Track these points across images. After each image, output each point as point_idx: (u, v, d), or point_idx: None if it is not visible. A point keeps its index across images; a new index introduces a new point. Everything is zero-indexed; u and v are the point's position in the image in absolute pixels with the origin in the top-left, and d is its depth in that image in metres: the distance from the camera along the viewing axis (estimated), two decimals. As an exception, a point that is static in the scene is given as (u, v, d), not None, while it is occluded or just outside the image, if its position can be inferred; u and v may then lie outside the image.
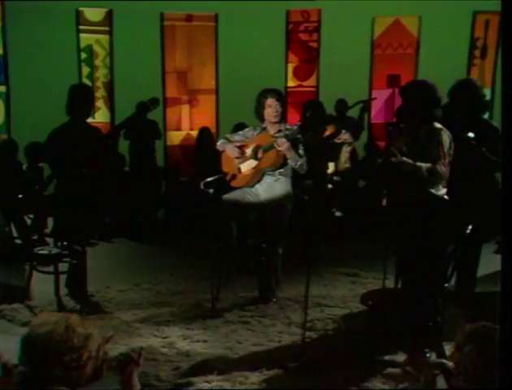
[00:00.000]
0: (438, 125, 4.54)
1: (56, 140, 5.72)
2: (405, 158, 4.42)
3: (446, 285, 4.69)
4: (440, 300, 4.23)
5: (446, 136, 4.50)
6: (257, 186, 5.57)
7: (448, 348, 3.66)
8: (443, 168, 4.45)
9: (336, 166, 8.00)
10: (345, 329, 5.07)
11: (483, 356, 2.27)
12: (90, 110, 5.96)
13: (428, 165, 4.41)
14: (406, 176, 4.46)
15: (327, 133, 6.87)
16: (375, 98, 9.90)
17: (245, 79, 9.51)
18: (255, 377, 4.14)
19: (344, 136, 7.30)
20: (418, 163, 4.41)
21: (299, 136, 5.54)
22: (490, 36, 10.49)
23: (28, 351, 2.39)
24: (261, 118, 5.63)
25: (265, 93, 5.56)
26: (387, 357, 4.35)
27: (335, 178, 8.21)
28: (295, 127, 5.70)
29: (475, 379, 2.29)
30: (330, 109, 7.57)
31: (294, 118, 9.24)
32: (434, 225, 4.32)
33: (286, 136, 5.44)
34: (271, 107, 5.52)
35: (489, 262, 5.52)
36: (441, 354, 3.98)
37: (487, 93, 10.17)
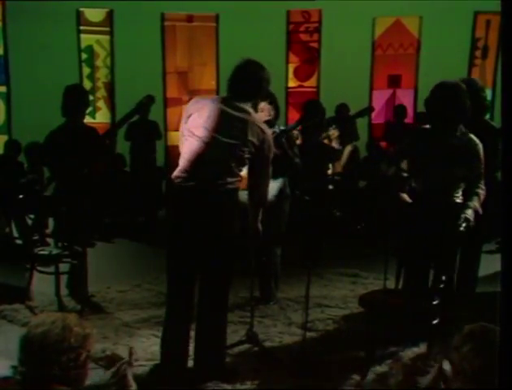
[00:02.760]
0: (472, 135, 4.43)
1: (53, 142, 5.72)
2: (469, 213, 4.26)
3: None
4: (442, 300, 4.22)
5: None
6: None
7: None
8: (484, 187, 4.39)
9: (333, 167, 8.04)
10: (346, 329, 5.07)
11: (481, 356, 2.27)
12: (86, 110, 5.94)
13: (478, 201, 4.33)
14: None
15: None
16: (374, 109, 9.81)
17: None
18: (256, 377, 4.14)
19: (334, 130, 7.34)
20: (473, 204, 4.30)
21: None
22: (491, 36, 10.49)
23: (26, 351, 2.39)
24: None
25: None
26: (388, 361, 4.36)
27: (335, 178, 8.21)
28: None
29: (473, 379, 2.29)
30: (330, 110, 7.57)
31: (295, 118, 9.24)
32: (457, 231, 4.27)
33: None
34: (264, 111, 5.47)
35: (489, 262, 5.52)
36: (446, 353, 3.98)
37: (488, 93, 10.25)
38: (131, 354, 2.75)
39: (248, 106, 4.04)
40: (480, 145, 4.41)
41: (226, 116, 3.97)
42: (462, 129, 4.42)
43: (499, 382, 1.55)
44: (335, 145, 7.90)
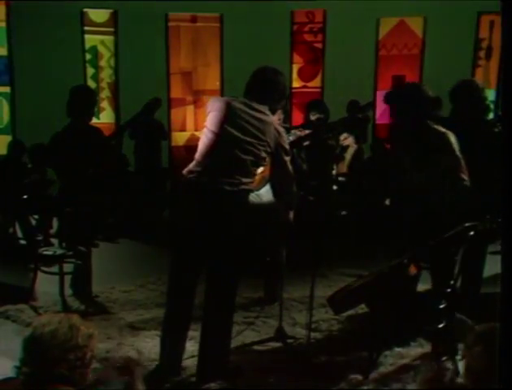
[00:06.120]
0: (442, 129, 4.38)
1: (58, 143, 5.73)
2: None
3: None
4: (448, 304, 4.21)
5: (454, 139, 4.33)
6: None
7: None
8: (464, 176, 4.26)
9: (338, 167, 8.03)
10: (350, 330, 5.06)
11: (491, 356, 2.29)
12: (92, 111, 5.93)
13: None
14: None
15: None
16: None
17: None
18: (259, 377, 4.15)
19: (348, 140, 7.33)
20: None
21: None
22: (495, 36, 10.48)
23: (32, 351, 2.39)
24: None
25: None
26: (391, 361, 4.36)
27: (340, 178, 8.21)
28: (297, 133, 5.73)
29: (481, 378, 2.31)
30: (334, 110, 7.56)
31: (298, 119, 9.25)
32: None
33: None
34: (275, 115, 5.46)
35: (493, 263, 5.51)
36: (452, 354, 3.99)
37: (492, 94, 10.24)
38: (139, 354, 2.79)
39: (266, 109, 4.12)
40: (448, 134, 4.32)
41: (244, 115, 4.04)
42: (431, 124, 4.37)
43: (500, 381, 1.55)
44: (351, 146, 7.93)
